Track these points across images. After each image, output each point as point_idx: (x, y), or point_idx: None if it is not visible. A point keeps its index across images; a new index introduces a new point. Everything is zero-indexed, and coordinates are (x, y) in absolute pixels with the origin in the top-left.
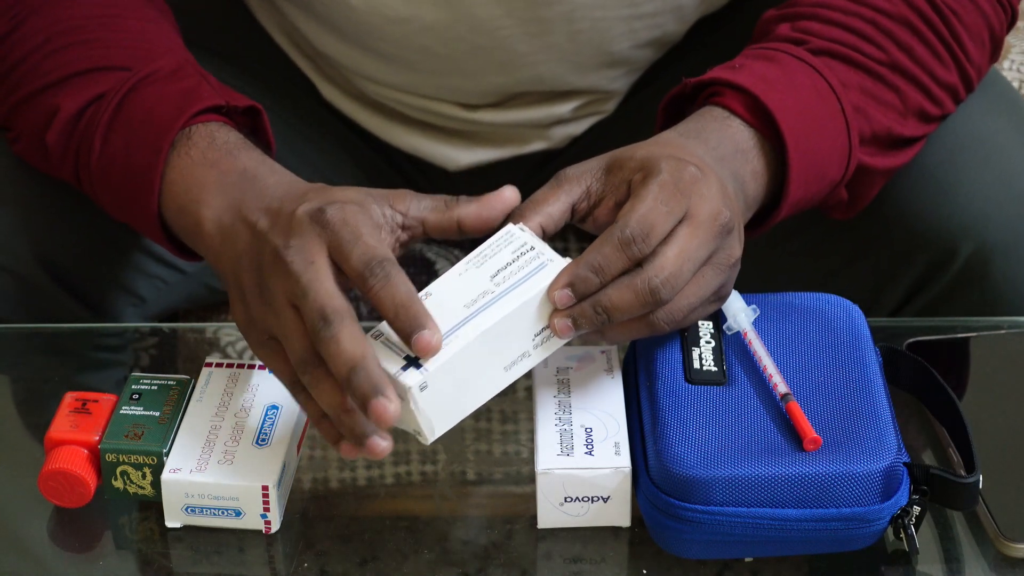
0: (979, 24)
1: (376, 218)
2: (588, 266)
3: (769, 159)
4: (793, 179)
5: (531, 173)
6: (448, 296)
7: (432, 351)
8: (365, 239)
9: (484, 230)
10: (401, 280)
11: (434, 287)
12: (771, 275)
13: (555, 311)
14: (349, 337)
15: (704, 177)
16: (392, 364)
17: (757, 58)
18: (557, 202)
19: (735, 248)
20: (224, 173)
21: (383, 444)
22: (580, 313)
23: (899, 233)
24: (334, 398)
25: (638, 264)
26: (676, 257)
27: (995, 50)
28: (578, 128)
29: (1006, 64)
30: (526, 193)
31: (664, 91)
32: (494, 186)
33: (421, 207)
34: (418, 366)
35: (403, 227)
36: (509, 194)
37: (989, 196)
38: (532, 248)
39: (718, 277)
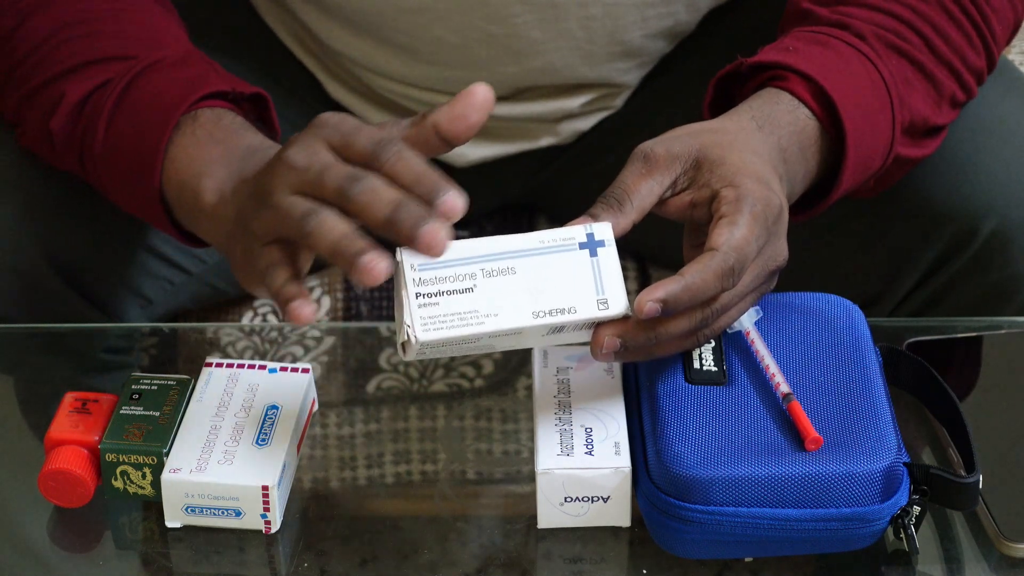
0: (1004, 5)
1: None
2: (687, 289)
3: (823, 156)
4: (846, 177)
5: (537, 168)
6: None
7: (459, 211)
8: (367, 128)
9: (462, 129)
10: (415, 155)
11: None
12: (789, 254)
13: (606, 326)
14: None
15: (782, 215)
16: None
17: (809, 42)
18: (651, 195)
19: (772, 285)
20: (230, 149)
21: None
22: (633, 342)
23: (919, 212)
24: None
25: None
26: (734, 295)
27: (1014, 33)
28: (586, 123)
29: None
30: (530, 188)
31: (671, 88)
32: (500, 182)
33: (401, 128)
34: (592, 244)
35: None
36: (482, 90)
37: (1010, 175)
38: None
39: (750, 305)
